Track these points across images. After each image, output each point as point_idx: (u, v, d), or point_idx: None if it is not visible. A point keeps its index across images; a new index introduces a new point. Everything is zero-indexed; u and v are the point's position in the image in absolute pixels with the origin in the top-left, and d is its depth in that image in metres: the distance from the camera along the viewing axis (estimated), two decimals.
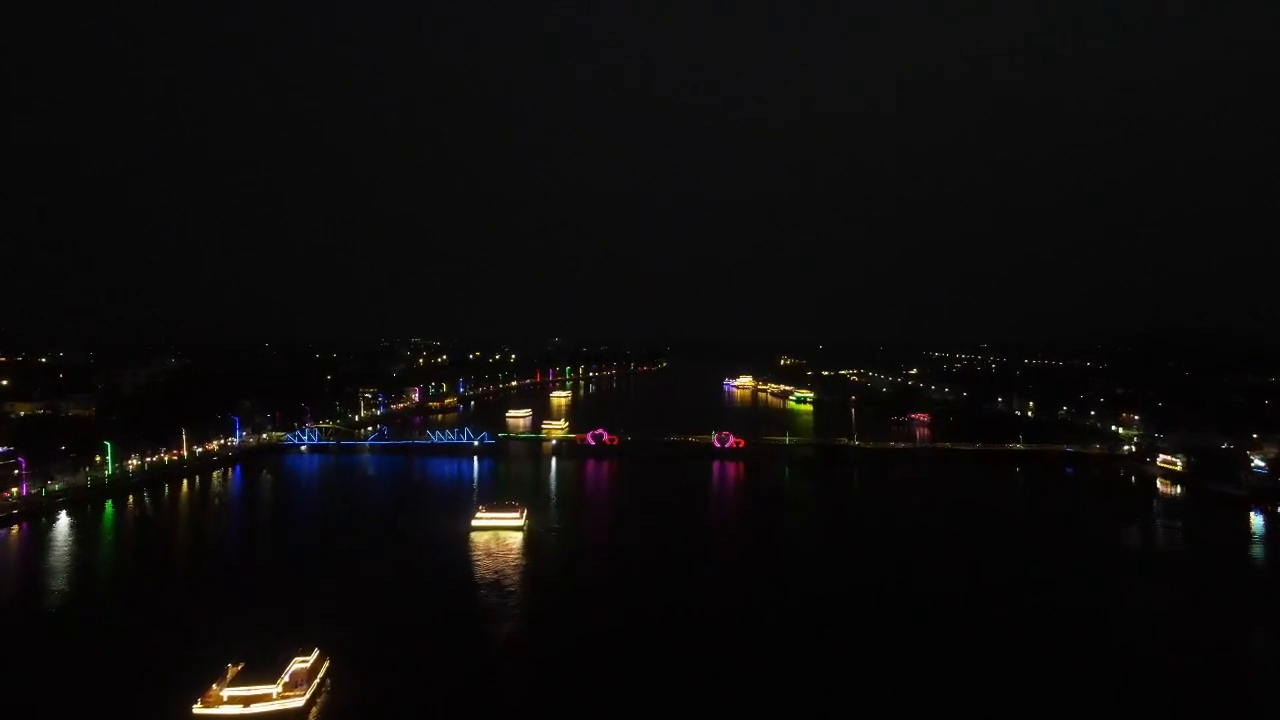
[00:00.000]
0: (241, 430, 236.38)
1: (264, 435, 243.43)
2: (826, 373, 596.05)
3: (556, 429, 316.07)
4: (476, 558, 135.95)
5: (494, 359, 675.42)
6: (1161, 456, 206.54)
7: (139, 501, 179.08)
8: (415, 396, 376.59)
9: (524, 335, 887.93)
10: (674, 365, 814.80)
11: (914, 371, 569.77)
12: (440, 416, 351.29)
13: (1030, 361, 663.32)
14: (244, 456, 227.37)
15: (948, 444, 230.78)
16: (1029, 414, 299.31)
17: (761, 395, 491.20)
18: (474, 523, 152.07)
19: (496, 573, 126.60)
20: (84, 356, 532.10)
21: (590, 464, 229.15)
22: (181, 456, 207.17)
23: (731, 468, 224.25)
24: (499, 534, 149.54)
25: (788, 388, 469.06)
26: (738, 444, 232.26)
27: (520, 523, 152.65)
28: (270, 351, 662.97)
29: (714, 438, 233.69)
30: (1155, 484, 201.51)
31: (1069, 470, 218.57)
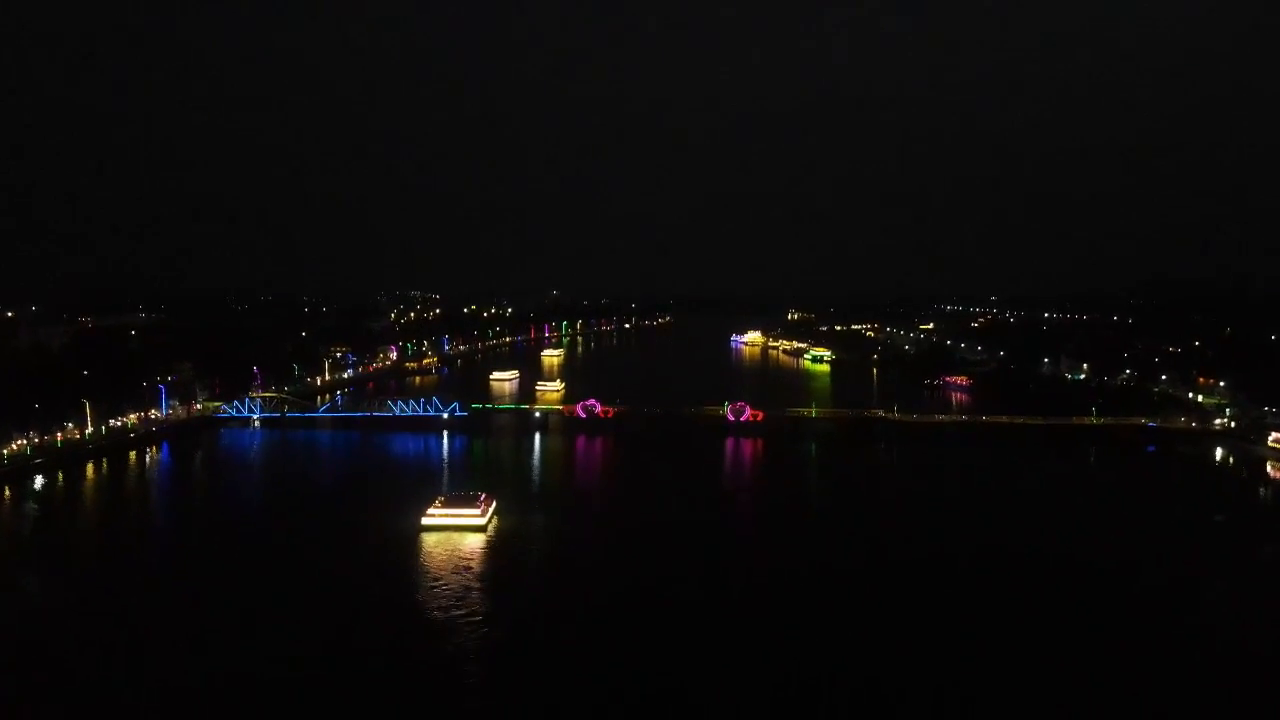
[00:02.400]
0: (169, 400, 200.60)
1: (197, 406, 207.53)
2: (840, 328, 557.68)
3: (551, 391, 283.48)
4: (416, 580, 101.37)
5: (488, 313, 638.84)
6: (1275, 435, 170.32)
7: (15, 495, 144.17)
8: (393, 355, 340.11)
9: (525, 288, 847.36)
10: (677, 319, 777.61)
11: (930, 326, 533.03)
12: (418, 379, 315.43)
13: (1052, 316, 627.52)
14: (171, 432, 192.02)
15: (1003, 417, 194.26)
16: (1082, 378, 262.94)
17: (773, 353, 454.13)
18: (425, 521, 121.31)
19: (442, 609, 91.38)
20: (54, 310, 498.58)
21: (580, 441, 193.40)
22: (83, 435, 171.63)
23: (748, 446, 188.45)
24: (455, 537, 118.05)
25: (801, 345, 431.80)
26: (754, 417, 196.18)
27: (483, 521, 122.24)
28: (268, 304, 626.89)
29: (727, 409, 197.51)
30: (1265, 468, 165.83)
31: (1150, 449, 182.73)
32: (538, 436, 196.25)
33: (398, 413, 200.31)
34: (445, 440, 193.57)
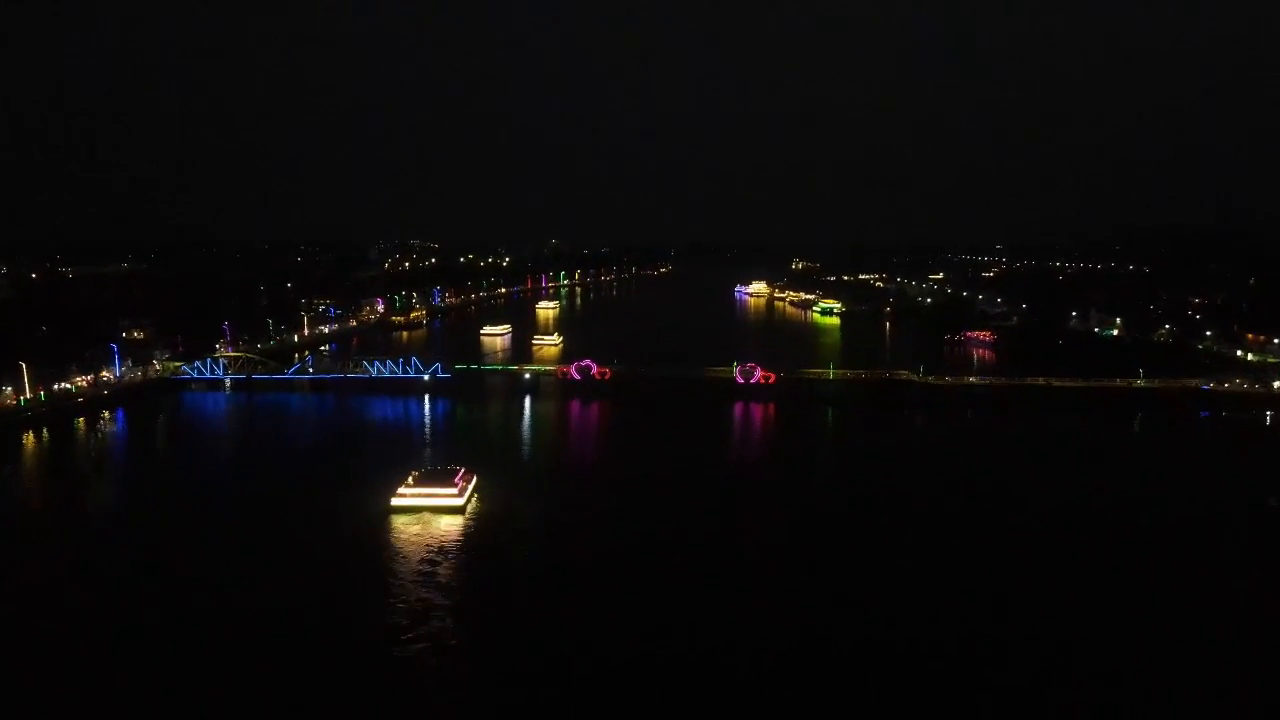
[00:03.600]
0: (126, 360, 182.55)
1: (157, 367, 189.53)
2: (847, 278, 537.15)
3: (548, 346, 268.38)
4: (370, 590, 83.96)
5: (484, 263, 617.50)
6: None
7: None
8: (380, 308, 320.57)
9: (524, 236, 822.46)
10: (679, 269, 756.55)
11: (940, 276, 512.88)
12: (405, 334, 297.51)
13: (1064, 265, 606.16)
14: (125, 397, 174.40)
15: (1039, 379, 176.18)
16: (1114, 333, 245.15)
17: (779, 304, 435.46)
18: (395, 501, 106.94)
19: (393, 636, 74.27)
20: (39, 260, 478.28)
21: (574, 406, 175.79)
22: (19, 400, 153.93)
23: (759, 411, 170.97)
24: (428, 520, 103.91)
25: (809, 296, 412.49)
26: (766, 379, 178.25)
27: (460, 502, 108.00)
28: (263, 252, 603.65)
29: (736, 371, 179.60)
30: None
31: (1204, 415, 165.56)
32: (527, 401, 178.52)
33: (374, 374, 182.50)
34: (426, 404, 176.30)
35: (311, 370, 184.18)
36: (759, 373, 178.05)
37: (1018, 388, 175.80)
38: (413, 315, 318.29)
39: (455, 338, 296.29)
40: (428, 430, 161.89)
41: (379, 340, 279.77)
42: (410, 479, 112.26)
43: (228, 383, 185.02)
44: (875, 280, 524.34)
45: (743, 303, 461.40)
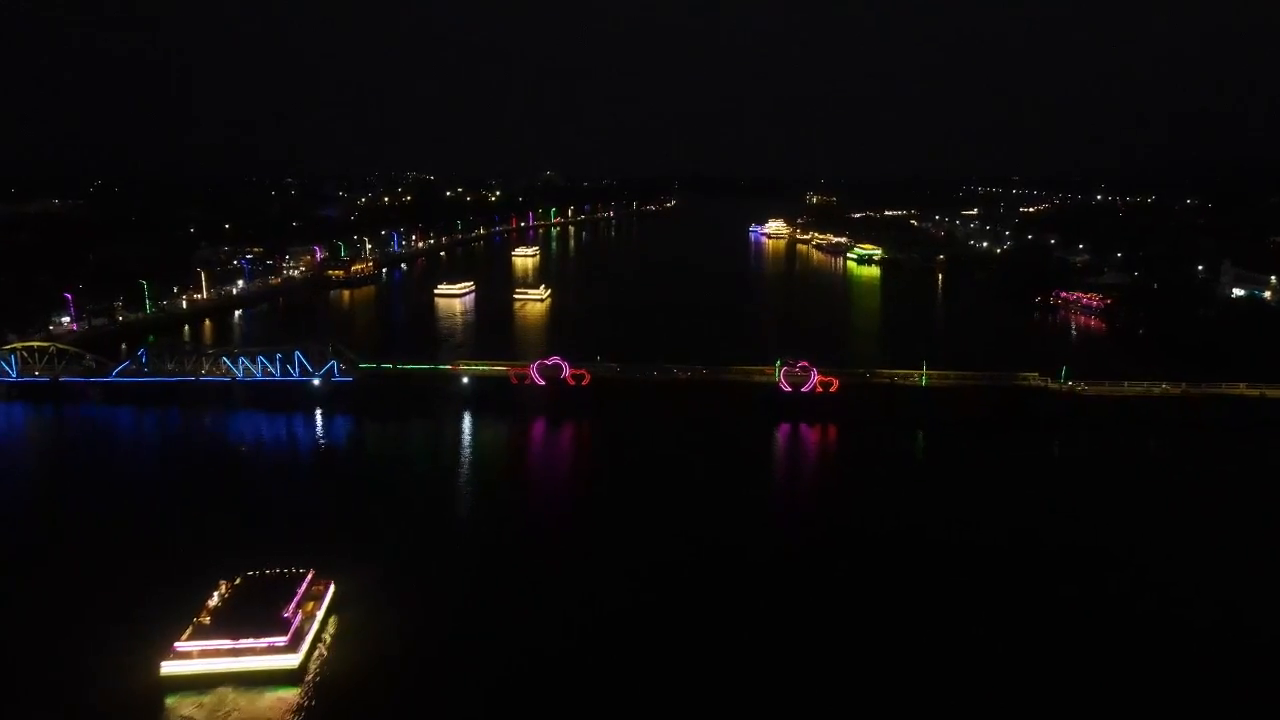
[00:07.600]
0: None
1: None
2: (873, 214, 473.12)
3: (533, 300, 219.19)
4: None
5: (470, 198, 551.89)
6: None
7: None
8: (318, 258, 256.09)
9: (519, 168, 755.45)
10: (683, 203, 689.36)
11: (975, 212, 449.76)
12: (345, 294, 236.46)
13: (1106, 199, 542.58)
14: None
15: (1240, 385, 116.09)
16: (1266, 294, 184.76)
17: (802, 249, 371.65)
18: (168, 666, 57.98)
19: None
20: None
21: (535, 431, 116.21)
22: None
23: (814, 439, 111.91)
24: (233, 702, 56.72)
25: (839, 239, 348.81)
26: (825, 386, 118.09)
27: (294, 660, 59.15)
28: (239, 186, 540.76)
29: (779, 373, 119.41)
30: None
31: None
32: (466, 421, 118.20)
33: (241, 376, 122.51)
34: (318, 423, 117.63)
35: (147, 369, 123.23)
36: (815, 376, 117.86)
37: (1209, 397, 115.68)
38: (356, 268, 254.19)
39: (409, 299, 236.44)
40: (301, 473, 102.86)
41: (317, 303, 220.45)
42: (209, 606, 61.20)
43: (74, 388, 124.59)
44: (909, 217, 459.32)
45: (759, 245, 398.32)
